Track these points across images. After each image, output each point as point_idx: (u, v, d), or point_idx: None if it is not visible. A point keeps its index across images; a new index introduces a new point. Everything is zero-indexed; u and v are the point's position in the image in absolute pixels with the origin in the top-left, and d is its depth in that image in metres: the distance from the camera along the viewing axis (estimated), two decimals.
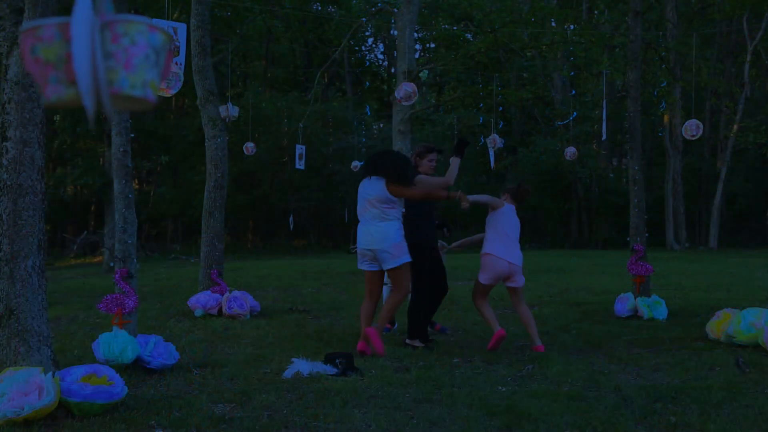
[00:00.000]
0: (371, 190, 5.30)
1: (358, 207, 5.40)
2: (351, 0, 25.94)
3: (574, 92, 20.73)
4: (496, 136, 14.14)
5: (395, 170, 5.24)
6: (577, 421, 3.58)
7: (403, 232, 5.27)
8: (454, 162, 5.68)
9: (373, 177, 5.34)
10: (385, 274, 5.39)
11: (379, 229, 5.21)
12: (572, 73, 19.25)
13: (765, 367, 4.86)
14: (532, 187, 24.61)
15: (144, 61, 1.21)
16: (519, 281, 5.58)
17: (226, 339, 6.16)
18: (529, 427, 3.49)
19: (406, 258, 5.21)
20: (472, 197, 5.60)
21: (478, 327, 6.75)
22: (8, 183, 3.63)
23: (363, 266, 5.37)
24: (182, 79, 6.49)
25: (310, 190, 22.90)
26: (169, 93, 6.37)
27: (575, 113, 19.83)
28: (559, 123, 23.12)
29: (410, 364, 5.06)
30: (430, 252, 5.80)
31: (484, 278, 5.58)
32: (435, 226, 5.96)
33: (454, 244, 6.23)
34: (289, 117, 22.25)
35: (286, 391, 4.24)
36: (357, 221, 5.53)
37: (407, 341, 5.76)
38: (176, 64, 6.52)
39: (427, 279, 5.76)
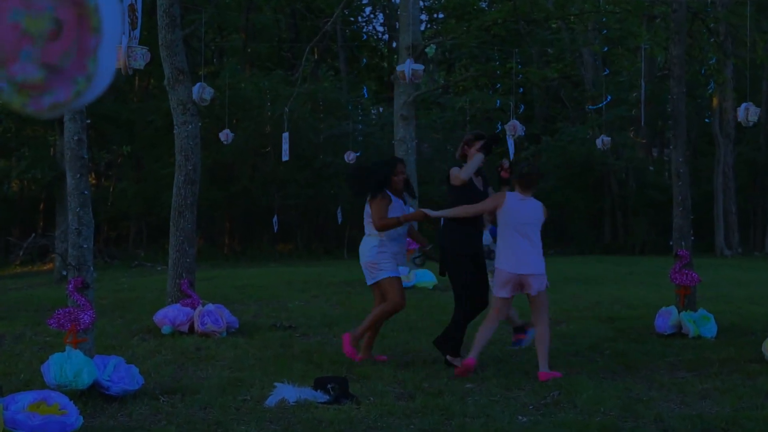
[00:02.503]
0: None
1: None
2: None
3: (607, 71, 20.71)
4: (516, 123, 14.12)
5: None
6: None
7: (378, 249, 5.93)
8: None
9: None
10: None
11: (362, 244, 6.12)
12: (605, 49, 19.25)
13: None
14: (559, 181, 24.78)
15: None
16: (534, 287, 5.56)
17: (199, 360, 6.16)
18: None
19: (384, 274, 5.91)
20: (438, 213, 5.97)
21: (494, 347, 6.75)
22: None
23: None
24: (148, 56, 6.47)
25: (297, 185, 22.89)
26: (131, 69, 6.33)
27: (609, 97, 19.82)
28: (590, 107, 23.13)
29: (415, 389, 5.06)
30: (472, 260, 5.91)
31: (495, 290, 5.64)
32: (478, 234, 6.10)
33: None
34: (273, 100, 22.22)
35: (269, 422, 4.24)
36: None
37: (448, 358, 5.86)
38: (132, 38, 6.49)
39: (465, 293, 5.87)
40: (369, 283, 6.08)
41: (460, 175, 5.81)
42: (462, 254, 5.86)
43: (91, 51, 1.16)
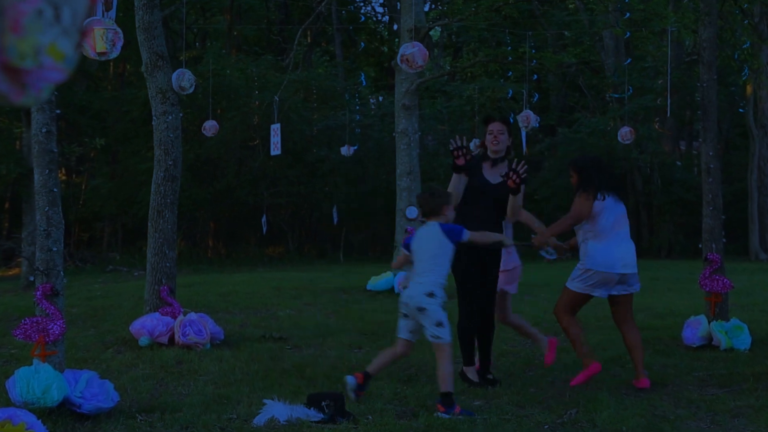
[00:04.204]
0: None
1: None
2: None
3: (629, 61, 20.70)
4: (530, 113, 14.15)
5: None
6: None
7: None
8: (452, 180, 5.92)
9: None
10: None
11: None
12: (627, 35, 19.26)
13: None
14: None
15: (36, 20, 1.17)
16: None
17: (180, 375, 6.16)
18: None
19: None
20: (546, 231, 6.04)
21: (505, 359, 6.75)
22: None
23: None
24: (122, 37, 6.48)
25: (288, 182, 22.90)
26: (110, 56, 6.34)
27: (630, 89, 19.80)
28: (615, 95, 23.15)
29: (418, 407, 5.06)
30: (477, 271, 5.90)
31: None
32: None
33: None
34: (262, 87, 22.25)
35: None
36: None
37: (463, 369, 5.91)
38: (108, 19, 6.49)
39: (471, 304, 5.91)
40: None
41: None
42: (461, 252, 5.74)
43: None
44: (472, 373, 5.88)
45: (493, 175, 5.94)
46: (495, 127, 5.99)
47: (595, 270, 5.65)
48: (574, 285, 5.76)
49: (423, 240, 5.23)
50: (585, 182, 5.84)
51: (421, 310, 5.02)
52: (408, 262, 5.43)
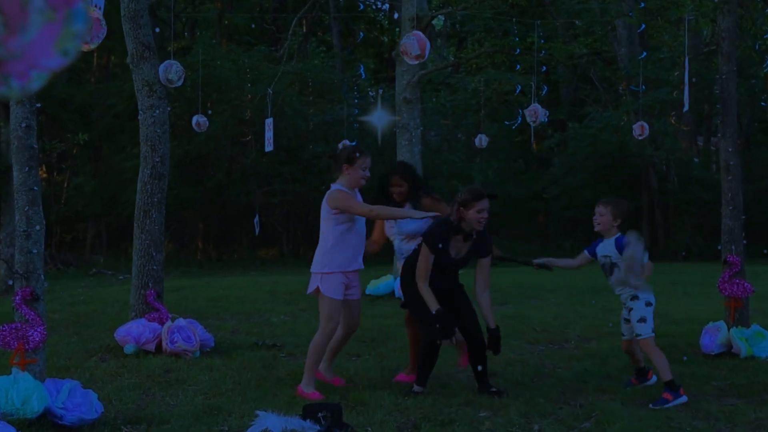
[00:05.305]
0: None
1: None
2: None
3: (645, 54, 20.71)
4: (538, 107, 14.14)
5: None
6: None
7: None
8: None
9: None
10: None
11: None
12: (642, 27, 19.26)
13: None
14: (588, 175, 24.80)
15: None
16: None
17: (168, 385, 6.16)
18: None
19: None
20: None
21: (512, 368, 6.75)
22: None
23: None
24: (105, 25, 6.49)
25: (282, 180, 22.89)
26: (89, 46, 6.36)
27: (643, 87, 19.80)
28: (633, 88, 23.14)
29: (420, 418, 5.06)
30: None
31: None
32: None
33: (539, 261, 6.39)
34: (254, 80, 22.24)
35: None
36: None
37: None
38: (96, 7, 6.50)
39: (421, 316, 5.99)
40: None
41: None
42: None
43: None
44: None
45: (459, 249, 6.02)
46: (486, 205, 5.92)
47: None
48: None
49: None
50: None
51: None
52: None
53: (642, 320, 5.84)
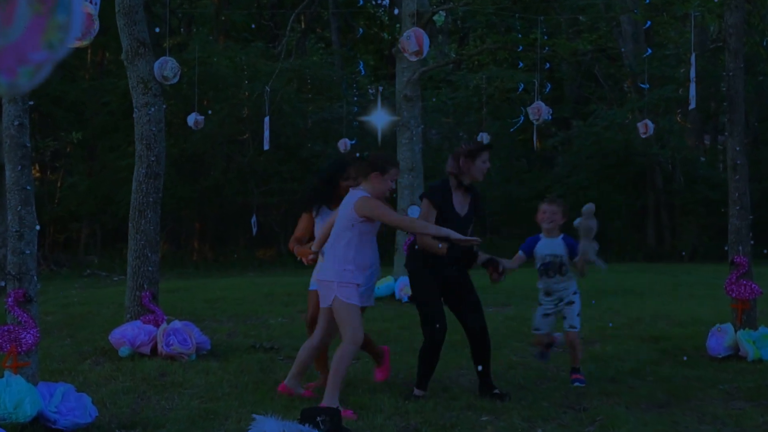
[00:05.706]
0: None
1: None
2: None
3: (650, 51, 20.71)
4: (542, 105, 14.14)
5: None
6: None
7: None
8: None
9: None
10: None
11: None
12: (648, 24, 19.26)
13: None
14: (592, 174, 24.81)
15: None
16: None
17: (163, 388, 6.16)
18: None
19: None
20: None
21: (515, 371, 6.75)
22: None
23: None
24: (96, 20, 6.47)
25: (280, 179, 22.89)
26: (81, 42, 6.34)
27: (647, 85, 19.79)
28: (642, 85, 23.14)
29: (421, 423, 5.06)
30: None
31: None
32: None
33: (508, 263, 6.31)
34: (252, 77, 22.24)
35: None
36: None
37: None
38: (90, 2, 6.50)
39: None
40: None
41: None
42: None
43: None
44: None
45: (462, 204, 6.09)
46: (488, 156, 6.16)
47: None
48: None
49: None
50: None
51: None
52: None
53: (579, 314, 6.37)
